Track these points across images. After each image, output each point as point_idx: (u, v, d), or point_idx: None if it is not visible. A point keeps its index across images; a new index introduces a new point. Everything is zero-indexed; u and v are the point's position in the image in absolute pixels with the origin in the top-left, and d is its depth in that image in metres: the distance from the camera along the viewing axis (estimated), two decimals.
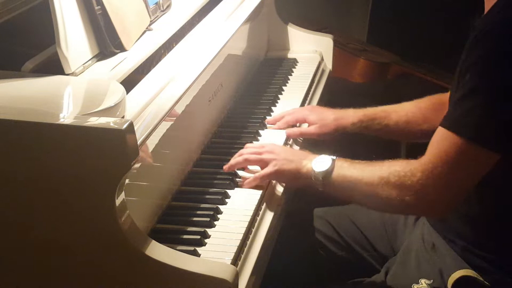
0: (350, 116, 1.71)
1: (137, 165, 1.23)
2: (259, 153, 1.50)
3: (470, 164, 1.26)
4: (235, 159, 1.51)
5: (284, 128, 1.73)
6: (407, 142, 2.61)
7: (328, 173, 1.38)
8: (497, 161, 1.25)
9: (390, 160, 1.35)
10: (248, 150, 1.53)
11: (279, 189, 1.51)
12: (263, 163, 1.48)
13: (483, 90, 1.22)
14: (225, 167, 1.51)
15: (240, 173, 1.52)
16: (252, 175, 1.49)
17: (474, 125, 1.23)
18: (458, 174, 1.26)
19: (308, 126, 1.74)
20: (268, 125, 1.76)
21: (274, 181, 1.52)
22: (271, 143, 1.59)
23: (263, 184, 1.48)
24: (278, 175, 1.47)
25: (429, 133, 1.66)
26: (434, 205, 1.30)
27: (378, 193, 1.32)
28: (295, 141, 1.73)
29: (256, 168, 1.51)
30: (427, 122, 1.67)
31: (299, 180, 1.45)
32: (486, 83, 1.22)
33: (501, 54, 1.21)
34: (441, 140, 1.28)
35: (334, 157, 1.41)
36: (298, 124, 1.77)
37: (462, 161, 1.25)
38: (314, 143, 1.76)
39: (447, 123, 1.27)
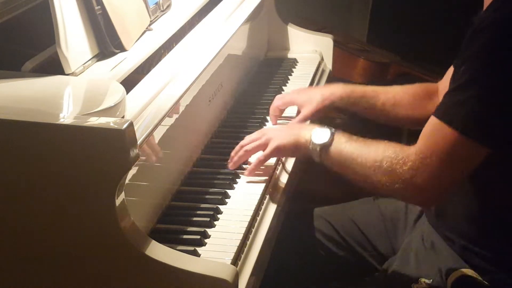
0: (339, 90, 1.72)
1: (141, 161, 1.23)
2: (258, 138, 1.51)
3: (460, 156, 1.26)
4: (238, 155, 1.52)
5: (277, 116, 1.76)
6: (408, 135, 2.62)
7: (326, 146, 1.39)
8: (496, 158, 1.25)
9: (387, 141, 1.35)
10: (247, 141, 1.53)
11: (279, 189, 1.51)
12: (263, 146, 1.50)
13: (476, 83, 1.23)
14: (230, 165, 1.52)
15: (240, 173, 1.52)
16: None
17: (466, 117, 1.23)
18: (448, 166, 1.26)
19: (298, 109, 1.76)
20: (268, 118, 1.78)
21: (274, 181, 1.52)
22: (268, 127, 1.60)
23: (267, 175, 1.50)
24: (279, 150, 1.48)
25: (414, 120, 1.68)
26: (422, 194, 1.30)
27: (369, 176, 1.33)
28: None
29: None
30: (413, 108, 1.68)
31: (299, 152, 1.46)
32: (480, 77, 1.23)
33: (497, 48, 1.22)
34: (433, 130, 1.28)
35: (333, 130, 1.41)
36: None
37: (452, 152, 1.25)
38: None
39: (440, 113, 1.28)
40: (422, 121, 1.67)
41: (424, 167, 1.27)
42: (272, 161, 1.54)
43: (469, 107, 1.23)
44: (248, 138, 1.55)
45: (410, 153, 1.29)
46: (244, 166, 1.54)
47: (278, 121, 1.76)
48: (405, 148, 1.31)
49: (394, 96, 1.70)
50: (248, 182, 1.50)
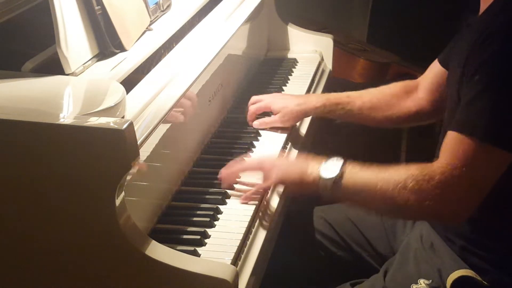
0: (313, 100, 1.71)
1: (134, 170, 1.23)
2: (258, 168, 1.45)
3: (486, 164, 1.24)
4: (231, 171, 1.45)
5: (253, 119, 1.74)
6: (407, 138, 2.62)
7: (337, 180, 1.31)
8: None
9: (405, 164, 1.30)
10: (244, 165, 1.47)
11: (279, 189, 1.51)
12: (263, 171, 1.44)
13: (494, 91, 1.22)
14: (222, 180, 1.45)
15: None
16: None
17: (486, 126, 1.22)
18: (476, 176, 1.24)
19: (273, 114, 1.74)
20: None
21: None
22: (267, 156, 1.54)
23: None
24: (280, 185, 1.45)
25: (393, 119, 1.68)
26: (455, 208, 1.27)
27: (394, 199, 1.26)
28: (294, 144, 1.71)
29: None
30: (391, 108, 1.68)
31: (305, 189, 1.37)
32: (497, 83, 1.22)
33: (508, 54, 1.22)
34: (455, 144, 1.25)
35: (342, 160, 1.33)
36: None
37: (478, 162, 1.23)
38: (314, 142, 1.76)
39: (459, 126, 1.25)
40: (401, 119, 1.69)
41: (454, 180, 1.23)
42: None
43: (489, 115, 1.22)
44: (245, 164, 1.48)
45: (435, 168, 1.25)
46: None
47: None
48: (428, 165, 1.27)
49: (370, 99, 1.69)
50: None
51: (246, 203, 1.41)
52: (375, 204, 1.32)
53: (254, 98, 1.77)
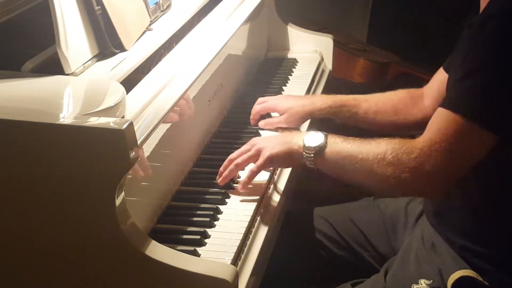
0: (318, 101, 1.72)
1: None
2: (248, 150, 1.47)
3: (468, 142, 1.25)
4: (228, 169, 1.47)
5: (256, 119, 1.75)
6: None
7: (321, 149, 1.36)
8: (496, 158, 1.25)
9: (387, 138, 1.33)
10: (236, 154, 1.49)
11: (279, 189, 1.51)
12: (255, 157, 1.46)
13: (483, 70, 1.23)
14: (219, 180, 1.47)
15: (239, 173, 1.52)
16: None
17: (473, 104, 1.23)
18: (457, 152, 1.25)
19: (278, 115, 1.75)
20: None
21: (274, 182, 1.52)
22: (257, 137, 1.57)
23: (267, 176, 1.47)
24: (272, 160, 1.44)
25: (399, 125, 1.68)
26: (431, 183, 1.28)
27: (373, 170, 1.29)
28: None
29: None
30: (397, 114, 1.69)
31: (293, 160, 1.42)
32: (487, 64, 1.23)
33: (503, 36, 1.22)
34: (440, 120, 1.27)
35: (326, 133, 1.38)
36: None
37: (461, 139, 1.24)
38: None
39: (447, 104, 1.27)
40: (406, 126, 1.69)
41: (432, 154, 1.24)
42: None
43: (477, 94, 1.22)
44: (237, 151, 1.50)
45: (417, 142, 1.27)
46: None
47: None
48: (409, 139, 1.29)
49: (376, 103, 1.70)
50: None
51: (244, 190, 1.44)
52: (356, 175, 1.35)
53: (260, 99, 1.78)
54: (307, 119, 1.76)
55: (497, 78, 1.22)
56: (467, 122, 1.23)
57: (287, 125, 1.72)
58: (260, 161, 1.44)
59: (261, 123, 1.74)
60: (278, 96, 1.84)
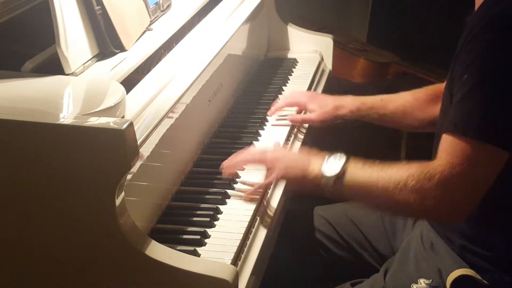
0: (349, 104, 1.74)
1: (137, 165, 1.23)
2: (263, 158, 1.44)
3: (483, 163, 1.24)
4: (236, 160, 1.46)
5: (283, 107, 1.78)
6: (407, 138, 2.62)
7: (339, 178, 1.30)
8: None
9: (406, 162, 1.29)
10: (248, 156, 1.47)
11: (279, 189, 1.51)
12: (266, 164, 1.44)
13: (482, 88, 1.22)
14: (224, 169, 1.46)
15: (239, 173, 1.52)
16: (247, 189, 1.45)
17: (478, 124, 1.22)
18: (476, 173, 1.23)
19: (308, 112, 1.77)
20: (268, 118, 1.79)
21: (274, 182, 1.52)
22: (278, 148, 1.56)
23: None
24: (281, 181, 1.45)
25: (425, 123, 1.69)
26: (455, 207, 1.26)
27: (395, 198, 1.26)
28: (296, 137, 1.73)
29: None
30: (423, 112, 1.69)
31: (305, 186, 1.37)
32: (485, 81, 1.22)
33: (497, 49, 1.21)
34: (451, 145, 1.25)
35: (345, 158, 1.32)
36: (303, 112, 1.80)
37: (476, 160, 1.23)
38: (315, 140, 1.77)
39: (452, 128, 1.25)
40: (432, 123, 1.68)
41: (454, 179, 1.22)
42: None
43: (480, 114, 1.21)
44: (247, 153, 1.47)
45: (435, 166, 1.24)
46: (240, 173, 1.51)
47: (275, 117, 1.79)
48: (428, 164, 1.26)
49: (403, 103, 1.71)
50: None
51: (249, 201, 1.42)
52: (377, 202, 1.33)
53: (285, 95, 1.81)
54: (335, 120, 1.77)
55: (497, 94, 1.21)
56: (477, 143, 1.22)
57: (320, 124, 1.75)
58: (270, 179, 1.43)
59: (289, 117, 1.76)
60: (307, 93, 1.88)
